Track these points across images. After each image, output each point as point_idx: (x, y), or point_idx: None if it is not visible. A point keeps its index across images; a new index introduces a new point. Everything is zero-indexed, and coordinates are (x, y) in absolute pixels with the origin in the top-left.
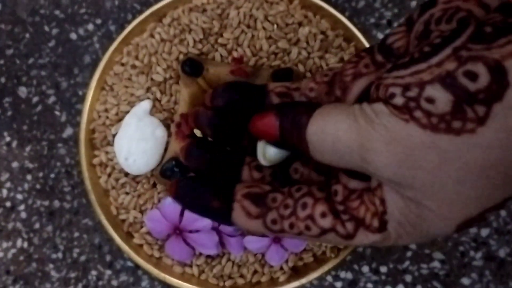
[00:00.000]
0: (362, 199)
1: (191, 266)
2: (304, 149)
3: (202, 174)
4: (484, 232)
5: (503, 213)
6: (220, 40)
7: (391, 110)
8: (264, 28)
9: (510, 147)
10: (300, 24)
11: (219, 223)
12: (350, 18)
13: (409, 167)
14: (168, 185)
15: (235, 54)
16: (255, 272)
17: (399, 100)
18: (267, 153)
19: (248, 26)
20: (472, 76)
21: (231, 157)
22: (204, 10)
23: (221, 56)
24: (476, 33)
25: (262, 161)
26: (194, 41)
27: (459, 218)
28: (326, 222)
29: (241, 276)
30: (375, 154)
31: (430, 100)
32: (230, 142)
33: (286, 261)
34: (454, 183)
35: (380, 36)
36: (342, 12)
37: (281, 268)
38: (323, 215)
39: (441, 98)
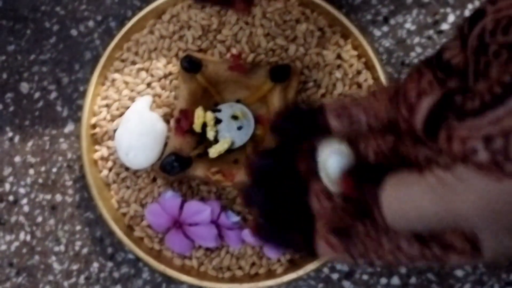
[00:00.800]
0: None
1: (190, 258)
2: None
3: (270, 213)
4: None
5: None
6: (218, 37)
7: (477, 171)
8: (262, 25)
9: None
10: (297, 21)
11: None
12: (347, 15)
13: (510, 217)
14: (250, 229)
15: (233, 50)
16: (253, 264)
17: (483, 156)
18: (331, 173)
19: (246, 23)
20: None
21: (293, 189)
22: (203, 7)
23: (220, 52)
24: None
25: (330, 186)
26: (193, 37)
27: None
28: (414, 250)
29: (240, 268)
30: (472, 219)
31: None
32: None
33: (284, 254)
34: None
35: (377, 33)
36: (339, 8)
37: (279, 260)
38: (410, 244)
39: None
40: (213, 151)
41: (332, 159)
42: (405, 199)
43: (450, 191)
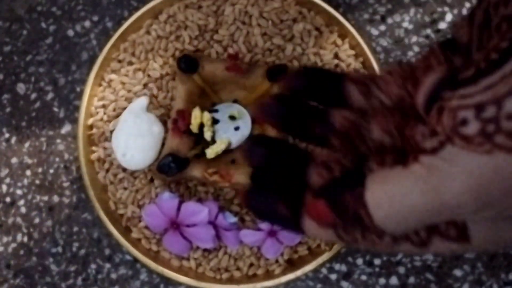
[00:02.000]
0: None
1: (188, 259)
2: (369, 223)
3: (264, 174)
4: None
5: None
6: (215, 37)
7: (465, 146)
8: (259, 25)
9: None
10: (294, 20)
11: (288, 231)
12: (344, 14)
13: (504, 199)
14: (240, 195)
15: (230, 50)
16: (251, 265)
17: (473, 127)
18: None
19: (243, 23)
20: None
21: (295, 153)
22: (200, 7)
23: (217, 52)
24: None
25: None
26: (190, 37)
27: None
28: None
29: (238, 269)
30: (465, 205)
31: None
32: (301, 133)
33: (282, 254)
34: None
35: (374, 32)
36: (336, 8)
37: (277, 261)
38: None
39: None
40: (210, 152)
41: None
42: (392, 195)
43: (439, 177)
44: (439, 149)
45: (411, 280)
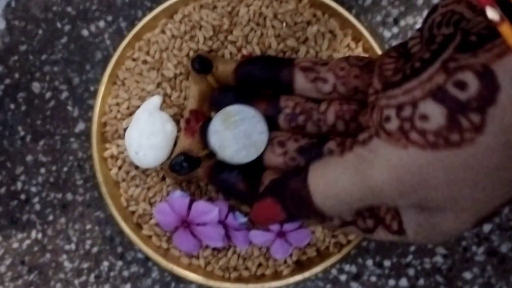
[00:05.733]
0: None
1: (197, 257)
2: (316, 214)
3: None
4: (487, 227)
5: (505, 209)
6: (229, 38)
7: (387, 140)
8: (273, 26)
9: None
10: (308, 23)
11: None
12: (357, 16)
13: (420, 190)
14: (203, 171)
15: (244, 51)
16: (260, 265)
17: (393, 124)
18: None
19: (258, 24)
20: (462, 85)
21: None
22: (215, 7)
23: (231, 53)
24: (462, 43)
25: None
26: (204, 38)
27: (474, 219)
28: (348, 217)
29: (246, 268)
30: (387, 192)
31: (424, 117)
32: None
33: (290, 255)
34: (466, 192)
35: (387, 34)
36: (349, 10)
37: (285, 262)
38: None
39: (434, 113)
40: None
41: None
42: (328, 179)
43: (367, 166)
44: (368, 141)
45: (421, 282)
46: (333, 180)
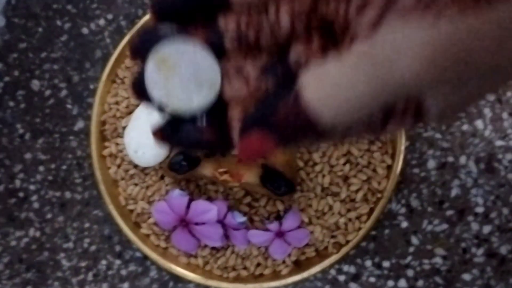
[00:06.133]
0: None
1: (196, 257)
2: (320, 135)
3: None
4: (486, 229)
5: (505, 211)
6: None
7: (404, 21)
8: None
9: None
10: None
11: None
12: None
13: (462, 65)
14: (154, 135)
15: None
16: (259, 264)
17: None
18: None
19: None
20: None
21: None
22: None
23: None
24: None
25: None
26: None
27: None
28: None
29: (245, 268)
30: (416, 81)
31: None
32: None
33: (289, 255)
34: None
35: None
36: None
37: (284, 262)
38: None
39: None
40: None
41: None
42: (337, 90)
43: (383, 61)
44: (372, 34)
45: (420, 283)
46: (344, 88)
